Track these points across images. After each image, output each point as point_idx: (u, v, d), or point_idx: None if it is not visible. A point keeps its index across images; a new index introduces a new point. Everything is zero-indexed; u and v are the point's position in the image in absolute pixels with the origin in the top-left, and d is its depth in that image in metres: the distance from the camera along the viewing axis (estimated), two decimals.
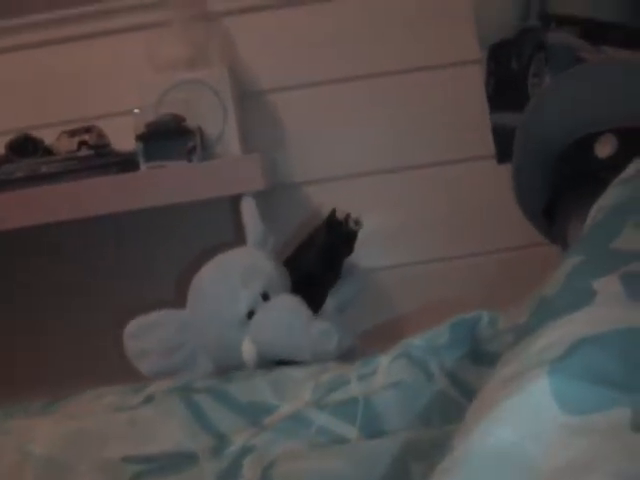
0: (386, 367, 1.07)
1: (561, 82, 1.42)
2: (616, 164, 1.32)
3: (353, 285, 1.61)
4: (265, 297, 1.46)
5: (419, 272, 1.99)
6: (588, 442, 0.58)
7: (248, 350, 1.41)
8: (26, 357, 2.03)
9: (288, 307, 1.43)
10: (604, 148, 1.34)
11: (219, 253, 1.54)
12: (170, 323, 1.43)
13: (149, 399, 1.15)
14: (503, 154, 1.94)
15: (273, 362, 1.41)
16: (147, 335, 1.42)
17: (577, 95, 1.38)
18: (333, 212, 1.61)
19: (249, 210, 1.60)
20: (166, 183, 1.71)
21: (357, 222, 1.56)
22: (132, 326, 1.43)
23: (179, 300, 1.50)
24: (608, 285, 0.75)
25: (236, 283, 1.45)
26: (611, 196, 0.97)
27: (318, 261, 1.58)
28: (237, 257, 1.54)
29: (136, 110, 1.79)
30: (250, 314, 1.44)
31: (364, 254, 1.67)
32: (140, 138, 1.72)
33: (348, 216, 1.59)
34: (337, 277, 1.59)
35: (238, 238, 1.63)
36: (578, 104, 1.38)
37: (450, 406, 1.03)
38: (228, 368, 1.36)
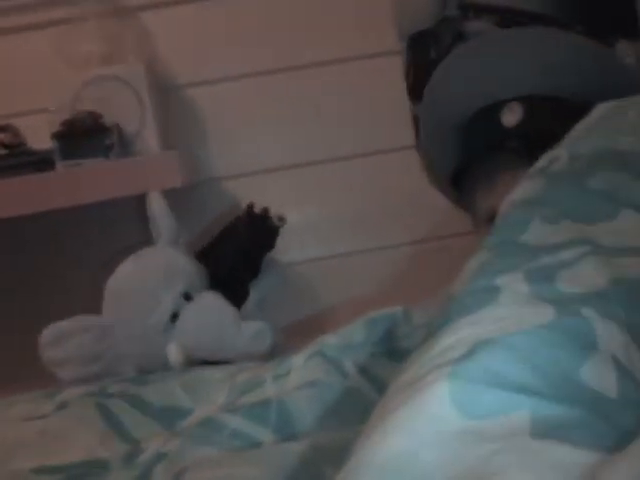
0: (300, 367, 1.06)
1: (467, 50, 1.42)
2: (522, 133, 1.33)
3: (273, 280, 1.60)
4: (187, 297, 1.44)
5: (341, 265, 1.98)
6: (485, 450, 0.57)
7: (174, 354, 1.39)
8: None
9: (214, 307, 1.41)
10: (510, 117, 1.33)
11: (131, 254, 1.52)
12: (88, 330, 1.41)
13: (63, 406, 1.13)
14: None
15: (199, 363, 1.40)
16: (64, 343, 1.39)
17: (482, 63, 1.38)
18: (250, 206, 1.59)
19: (158, 207, 1.57)
20: (83, 182, 1.68)
21: (281, 218, 1.56)
22: (48, 333, 1.39)
23: (92, 305, 1.47)
24: (512, 282, 0.74)
25: (156, 285, 1.44)
26: (521, 190, 0.96)
27: (238, 256, 1.56)
28: (153, 257, 1.52)
29: (52, 108, 1.75)
30: (174, 316, 1.42)
31: (284, 247, 1.66)
32: (56, 136, 1.70)
33: (266, 211, 1.58)
34: (257, 272, 1.58)
35: (145, 237, 1.61)
36: (484, 71, 1.38)
37: (365, 404, 1.02)
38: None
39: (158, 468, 0.93)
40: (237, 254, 1.56)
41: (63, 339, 1.39)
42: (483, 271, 0.79)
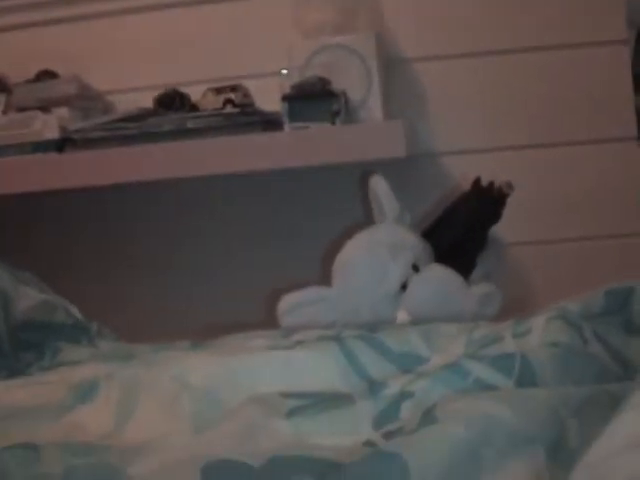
0: (541, 327, 1.06)
1: None
2: None
3: (497, 255, 1.61)
4: (415, 269, 1.47)
5: (554, 250, 1.97)
6: None
7: (403, 322, 1.41)
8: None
9: (442, 275, 1.44)
10: None
11: (356, 232, 1.56)
12: (320, 301, 1.46)
13: (300, 343, 1.16)
14: None
15: None
16: (299, 312, 1.45)
17: None
18: (478, 180, 1.60)
19: (382, 187, 1.59)
20: (309, 144, 1.73)
21: (509, 185, 1.55)
22: (285, 302, 1.47)
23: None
24: None
25: (386, 258, 1.48)
26: None
27: (466, 230, 1.57)
28: (381, 233, 1.55)
29: (284, 71, 1.81)
30: (403, 286, 1.45)
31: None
32: (286, 98, 1.74)
33: (492, 184, 1.58)
34: (484, 246, 1.59)
35: (368, 216, 1.64)
36: None
37: (604, 372, 1.02)
38: None
39: (407, 404, 0.95)
40: (466, 228, 1.57)
41: (298, 308, 1.46)
42: None
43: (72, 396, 1.12)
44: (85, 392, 1.13)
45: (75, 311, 1.49)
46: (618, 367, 1.04)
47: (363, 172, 1.76)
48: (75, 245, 2.12)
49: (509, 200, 1.60)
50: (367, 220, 1.64)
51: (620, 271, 1.73)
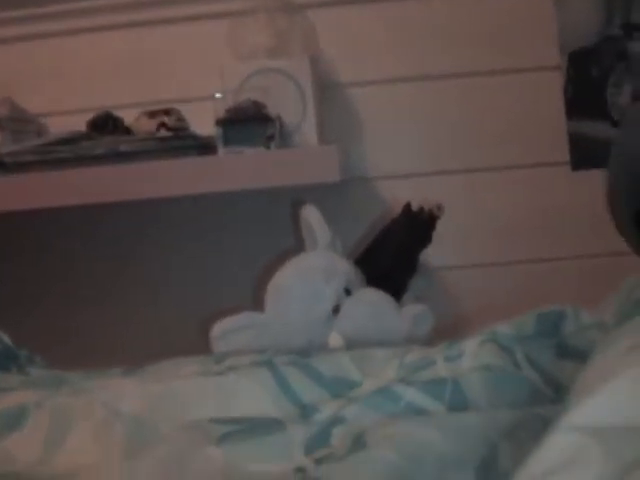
0: (473, 351, 1.06)
1: None
2: None
3: (427, 279, 1.62)
4: (347, 292, 1.48)
5: (485, 274, 1.99)
6: None
7: (335, 344, 1.42)
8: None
9: (374, 296, 1.45)
10: None
11: (287, 259, 1.57)
12: (253, 326, 1.47)
13: (232, 368, 1.16)
14: (578, 161, 1.94)
15: None
16: (232, 338, 1.46)
17: None
18: (408, 205, 1.61)
19: (314, 216, 1.60)
20: (244, 168, 1.72)
21: (439, 207, 1.57)
22: (217, 328, 1.47)
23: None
24: None
25: (319, 282, 1.49)
26: None
27: (397, 255, 1.58)
28: (314, 259, 1.57)
29: (218, 95, 1.80)
30: (335, 310, 1.45)
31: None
32: (220, 122, 1.74)
33: (422, 208, 1.59)
34: (415, 270, 1.60)
35: (299, 243, 1.65)
36: None
37: (535, 395, 1.03)
38: None
39: (338, 429, 0.94)
40: (397, 253, 1.59)
41: (231, 333, 1.47)
42: None
43: (0, 424, 1.10)
44: (14, 420, 1.11)
45: (5, 338, 1.46)
46: (550, 390, 1.04)
47: (294, 199, 1.77)
48: (7, 271, 2.09)
49: (440, 224, 1.61)
50: (298, 246, 1.64)
51: (551, 294, 1.74)
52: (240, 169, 1.72)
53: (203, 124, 1.80)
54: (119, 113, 1.84)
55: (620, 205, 1.48)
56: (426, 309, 1.43)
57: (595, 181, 1.88)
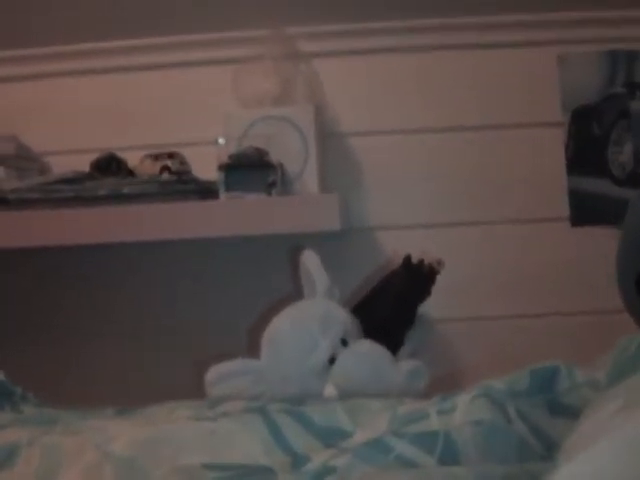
0: (466, 405, 1.06)
1: None
2: None
3: (425, 332, 1.62)
4: (344, 343, 1.48)
5: (483, 327, 1.99)
6: None
7: (330, 395, 1.42)
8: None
9: (371, 349, 1.45)
10: None
11: (286, 306, 1.57)
12: (248, 373, 1.46)
13: (225, 415, 1.16)
14: (578, 217, 1.94)
15: None
16: (227, 383, 1.45)
17: None
18: (408, 257, 1.61)
19: (314, 262, 1.60)
20: (244, 214, 1.73)
21: (439, 262, 1.57)
22: (212, 373, 1.46)
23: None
24: None
25: (315, 331, 1.48)
26: None
27: (396, 307, 1.59)
28: (311, 307, 1.56)
29: (221, 140, 1.82)
30: (331, 360, 1.45)
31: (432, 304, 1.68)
32: (222, 168, 1.75)
33: (422, 261, 1.60)
34: (412, 323, 1.60)
35: (297, 290, 1.65)
36: None
37: (526, 451, 1.03)
38: None
39: (329, 479, 0.94)
40: (395, 305, 1.59)
41: (226, 379, 1.46)
42: None
43: None
44: (5, 457, 1.11)
45: (0, 375, 1.46)
46: (541, 446, 1.04)
47: (293, 246, 1.77)
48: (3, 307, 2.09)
49: (440, 276, 1.61)
50: (296, 294, 1.64)
51: (547, 350, 1.74)
52: (241, 215, 1.73)
53: (206, 169, 1.82)
54: (123, 155, 1.85)
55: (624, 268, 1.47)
56: (421, 365, 1.42)
57: (594, 237, 1.89)
